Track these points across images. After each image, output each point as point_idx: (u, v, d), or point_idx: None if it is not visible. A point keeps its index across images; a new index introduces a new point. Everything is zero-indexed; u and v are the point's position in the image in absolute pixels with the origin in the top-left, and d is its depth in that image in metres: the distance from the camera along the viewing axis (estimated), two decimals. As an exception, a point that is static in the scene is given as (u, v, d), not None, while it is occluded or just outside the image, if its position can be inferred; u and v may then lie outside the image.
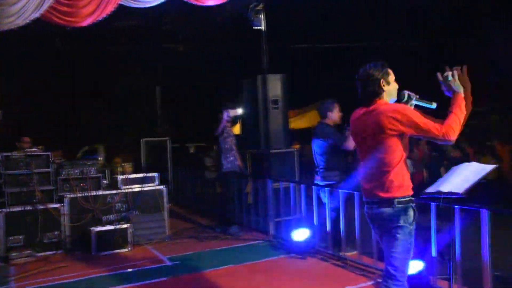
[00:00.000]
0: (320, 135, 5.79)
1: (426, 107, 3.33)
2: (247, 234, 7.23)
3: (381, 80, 3.19)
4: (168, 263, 6.03)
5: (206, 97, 15.58)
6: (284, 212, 6.86)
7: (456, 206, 4.25)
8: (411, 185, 3.17)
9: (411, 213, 3.14)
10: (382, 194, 3.15)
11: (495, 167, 3.24)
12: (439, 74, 3.17)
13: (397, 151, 3.11)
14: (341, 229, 5.62)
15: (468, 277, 4.67)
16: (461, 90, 3.08)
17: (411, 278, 5.29)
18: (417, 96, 3.36)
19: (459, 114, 3.01)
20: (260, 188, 7.28)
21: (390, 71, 3.26)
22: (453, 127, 2.96)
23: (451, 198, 3.19)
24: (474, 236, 4.17)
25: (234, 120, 7.66)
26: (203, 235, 7.44)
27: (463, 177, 3.13)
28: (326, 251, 5.88)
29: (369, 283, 4.94)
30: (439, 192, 3.15)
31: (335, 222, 5.73)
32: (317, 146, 5.82)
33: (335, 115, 5.83)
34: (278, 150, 7.47)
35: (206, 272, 5.54)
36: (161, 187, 7.23)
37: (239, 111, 7.51)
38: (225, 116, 7.33)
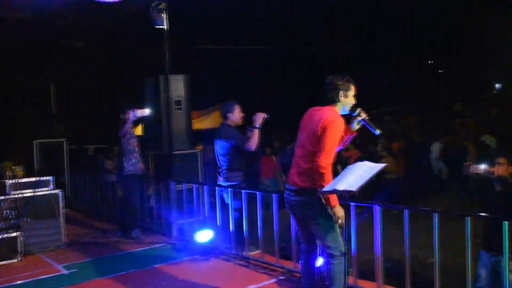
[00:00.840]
0: (222, 136, 5.78)
1: (370, 129, 3.72)
2: (149, 237, 7.05)
3: (341, 91, 3.66)
4: (64, 271, 5.69)
5: (106, 96, 14.97)
6: (187, 214, 6.78)
7: (352, 203, 4.50)
8: (330, 180, 3.49)
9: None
10: (301, 183, 3.57)
11: (385, 165, 3.47)
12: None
13: None
14: (244, 229, 5.68)
15: (362, 270, 4.96)
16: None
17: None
18: (368, 117, 3.73)
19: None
20: (162, 190, 7.14)
21: (352, 87, 3.70)
22: (326, 174, 3.46)
23: (346, 195, 3.35)
24: (369, 231, 4.42)
25: (136, 121, 7.40)
26: (102, 240, 7.13)
27: (356, 175, 3.32)
28: (230, 251, 5.91)
29: (272, 281, 5.04)
30: (335, 191, 3.30)
31: (238, 222, 5.77)
32: (219, 147, 5.81)
33: (236, 116, 5.82)
34: (181, 152, 7.37)
35: (106, 279, 5.32)
36: (56, 191, 6.80)
37: (147, 111, 7.27)
38: (131, 116, 7.04)
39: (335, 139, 3.55)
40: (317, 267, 3.96)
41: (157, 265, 5.75)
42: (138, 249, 6.53)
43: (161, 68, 7.09)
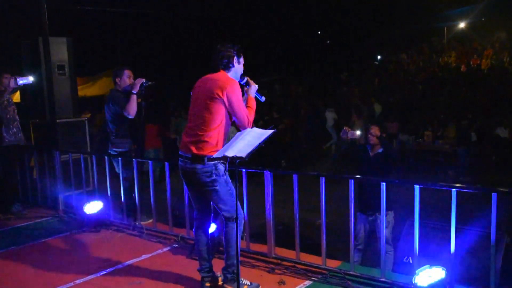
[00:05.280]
0: (109, 102, 5.58)
1: (257, 97, 3.89)
2: (33, 212, 6.61)
3: (234, 58, 3.71)
4: None
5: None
6: (75, 186, 6.46)
7: (243, 170, 4.59)
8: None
9: (220, 167, 3.61)
10: (196, 151, 3.55)
11: (273, 132, 3.53)
12: (248, 78, 3.86)
13: (219, 116, 3.57)
14: (136, 198, 5.56)
15: (255, 233, 5.13)
16: (253, 95, 3.86)
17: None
18: (256, 86, 3.88)
19: (254, 111, 3.79)
20: (46, 161, 6.71)
21: (242, 55, 3.79)
22: (252, 120, 3.70)
23: (236, 162, 3.38)
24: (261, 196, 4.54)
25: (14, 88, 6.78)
26: (-22, 218, 6.54)
27: (246, 142, 3.37)
28: (122, 222, 5.77)
29: (166, 249, 5.02)
30: (225, 157, 3.32)
31: (129, 192, 5.64)
32: (107, 113, 5.63)
33: (124, 81, 5.62)
34: (66, 120, 6.97)
35: (-17, 258, 4.91)
36: None
37: (30, 78, 6.65)
38: (11, 83, 6.41)
39: (240, 98, 3.62)
40: (210, 234, 4.01)
41: (42, 240, 5.45)
42: (19, 225, 6.10)
43: (40, 30, 6.53)
